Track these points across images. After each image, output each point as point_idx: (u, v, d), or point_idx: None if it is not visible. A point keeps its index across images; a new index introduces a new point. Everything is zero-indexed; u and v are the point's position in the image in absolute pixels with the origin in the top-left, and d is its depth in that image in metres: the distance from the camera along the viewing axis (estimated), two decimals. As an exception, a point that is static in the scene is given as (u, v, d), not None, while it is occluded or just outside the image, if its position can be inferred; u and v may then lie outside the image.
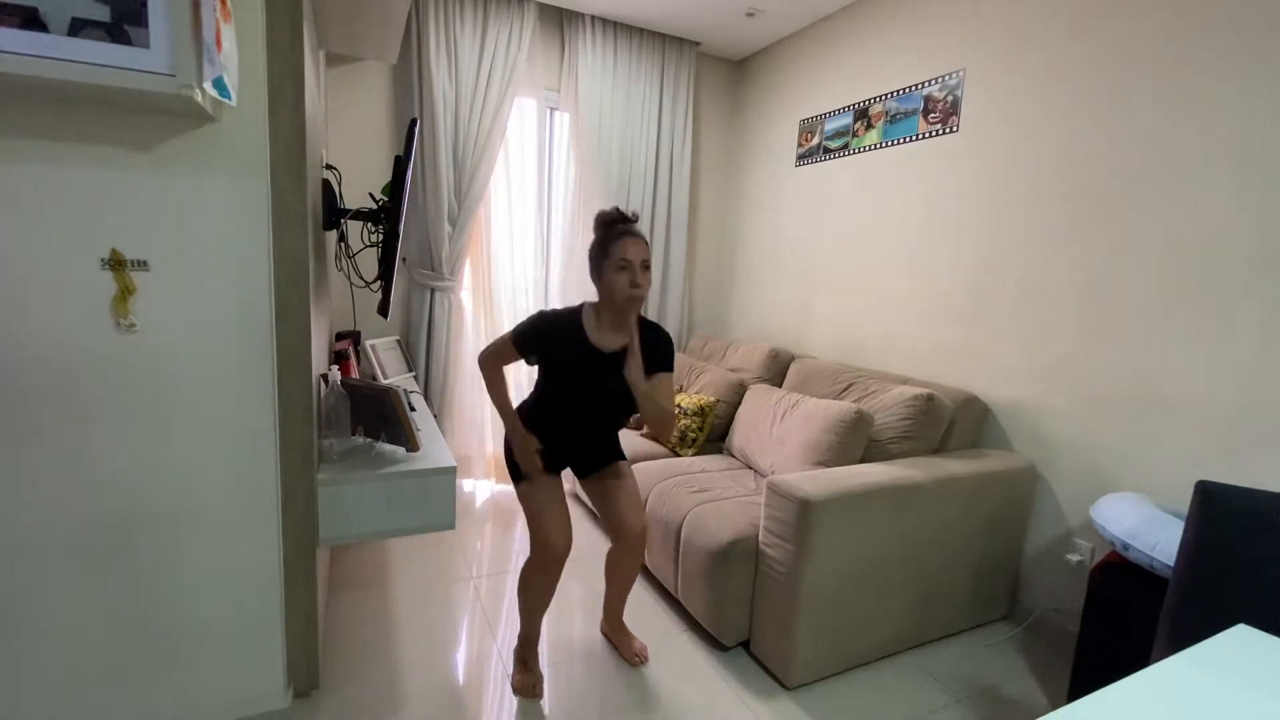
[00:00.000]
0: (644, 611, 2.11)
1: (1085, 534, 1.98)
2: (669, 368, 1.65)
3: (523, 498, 1.69)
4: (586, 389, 1.61)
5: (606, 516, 1.77)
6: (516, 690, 1.69)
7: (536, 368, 1.68)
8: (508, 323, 3.19)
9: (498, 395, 1.67)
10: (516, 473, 1.72)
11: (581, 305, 1.65)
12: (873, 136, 2.75)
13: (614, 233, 1.56)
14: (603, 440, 1.78)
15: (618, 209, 1.60)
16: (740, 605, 1.86)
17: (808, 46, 3.16)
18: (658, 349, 1.64)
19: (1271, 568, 1.04)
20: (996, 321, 2.24)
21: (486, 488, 3.20)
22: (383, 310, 2.08)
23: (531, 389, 1.75)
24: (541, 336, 1.60)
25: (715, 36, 3.37)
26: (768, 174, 3.45)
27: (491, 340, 1.67)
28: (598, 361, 1.59)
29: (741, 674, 1.82)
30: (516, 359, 1.64)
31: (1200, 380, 1.71)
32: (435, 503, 1.65)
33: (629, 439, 2.74)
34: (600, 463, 1.79)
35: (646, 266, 1.55)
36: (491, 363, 1.65)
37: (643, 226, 3.42)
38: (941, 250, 2.44)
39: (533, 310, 3.27)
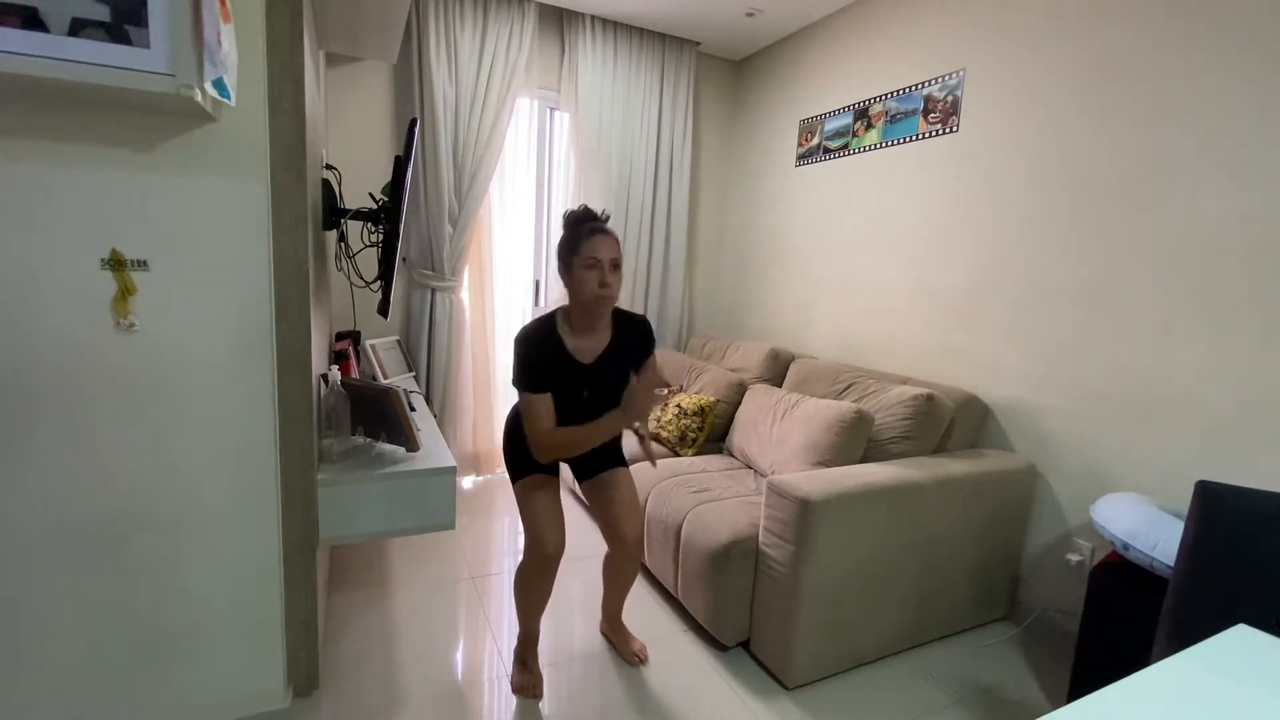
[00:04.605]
0: (644, 611, 2.11)
1: (1085, 534, 1.98)
2: (648, 355, 1.68)
3: (519, 496, 1.69)
4: (573, 398, 1.59)
5: (604, 523, 1.76)
6: (516, 690, 1.69)
7: (520, 353, 1.59)
8: (507, 323, 3.21)
9: (578, 435, 1.54)
10: (514, 471, 1.72)
11: (555, 312, 1.61)
12: (873, 136, 2.75)
13: (584, 230, 1.53)
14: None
15: (586, 207, 1.58)
16: (740, 605, 1.85)
17: (808, 46, 3.16)
18: (641, 347, 1.64)
19: (1271, 568, 1.03)
20: (996, 321, 2.24)
21: (486, 484, 3.21)
22: (383, 310, 2.08)
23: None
24: (536, 360, 1.54)
25: (715, 36, 3.37)
26: (768, 174, 3.45)
27: (508, 387, 1.62)
28: (578, 373, 1.58)
29: (741, 674, 1.82)
30: (544, 394, 1.54)
31: (1200, 380, 1.71)
32: (435, 503, 1.65)
33: (627, 439, 2.73)
34: (599, 466, 1.78)
35: (616, 266, 1.52)
36: (547, 431, 1.53)
37: (643, 226, 3.43)
38: (941, 250, 2.44)
39: (530, 311, 3.29)
